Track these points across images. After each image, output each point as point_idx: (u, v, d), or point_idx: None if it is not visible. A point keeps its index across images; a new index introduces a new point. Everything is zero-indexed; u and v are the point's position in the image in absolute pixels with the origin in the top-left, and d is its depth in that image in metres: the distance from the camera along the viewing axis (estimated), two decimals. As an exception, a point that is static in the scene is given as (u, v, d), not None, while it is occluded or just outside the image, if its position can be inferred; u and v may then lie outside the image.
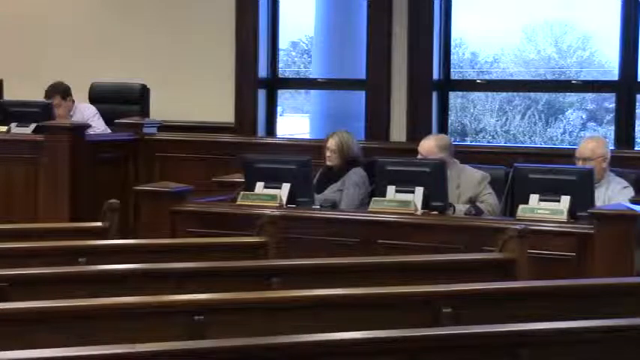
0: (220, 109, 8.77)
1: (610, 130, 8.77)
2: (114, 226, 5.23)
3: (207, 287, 3.92)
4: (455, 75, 8.93)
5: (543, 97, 10.17)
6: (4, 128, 7.64)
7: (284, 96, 9.80)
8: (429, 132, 7.82)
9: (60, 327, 3.49)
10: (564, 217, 5.43)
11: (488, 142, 10.17)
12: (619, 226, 5.14)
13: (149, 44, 9.12)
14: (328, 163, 6.59)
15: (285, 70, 9.96)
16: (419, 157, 6.29)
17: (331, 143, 6.59)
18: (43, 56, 9.40)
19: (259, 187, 6.08)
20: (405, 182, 5.83)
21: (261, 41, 8.73)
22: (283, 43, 9.44)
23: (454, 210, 5.92)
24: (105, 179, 7.42)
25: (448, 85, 8.44)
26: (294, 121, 10.68)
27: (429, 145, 6.32)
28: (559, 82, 9.84)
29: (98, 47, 9.25)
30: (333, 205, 6.19)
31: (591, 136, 6.88)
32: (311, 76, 9.48)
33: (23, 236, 5.10)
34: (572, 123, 10.27)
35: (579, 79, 9.65)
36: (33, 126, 7.53)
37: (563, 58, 10.32)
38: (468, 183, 6.20)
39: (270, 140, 8.34)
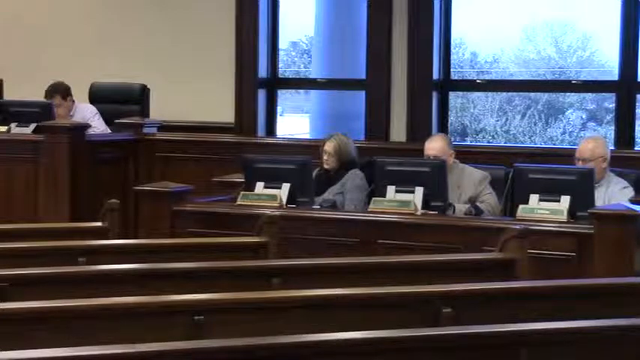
0: (220, 109, 8.77)
1: (610, 130, 8.77)
2: (114, 226, 5.23)
3: (207, 287, 3.92)
4: (455, 75, 8.93)
5: (543, 97, 10.17)
6: (4, 128, 7.64)
7: (284, 96, 9.80)
8: (428, 132, 7.83)
9: (60, 327, 3.49)
10: (564, 217, 5.43)
11: (488, 142, 10.16)
12: (619, 226, 5.14)
13: (149, 44, 9.12)
14: (326, 166, 6.57)
15: (285, 70, 9.96)
16: (431, 157, 6.25)
17: (329, 147, 6.58)
18: (43, 56, 9.40)
19: (259, 187, 6.08)
20: (405, 182, 5.83)
21: (261, 41, 8.72)
22: (283, 43, 9.44)
23: (454, 210, 5.92)
24: (105, 179, 7.42)
25: (448, 85, 8.44)
26: (294, 121, 10.68)
27: (441, 145, 6.31)
28: (559, 82, 9.83)
29: (98, 47, 9.26)
30: (333, 205, 6.19)
31: (591, 137, 6.88)
32: (311, 76, 9.48)
33: (23, 236, 5.10)
34: (572, 123, 10.27)
35: (579, 79, 9.63)
36: (33, 126, 7.53)
37: (563, 58, 10.31)
38: (468, 183, 6.20)
39: (270, 140, 8.34)
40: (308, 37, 10.41)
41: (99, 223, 5.28)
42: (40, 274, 4.16)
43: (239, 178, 6.41)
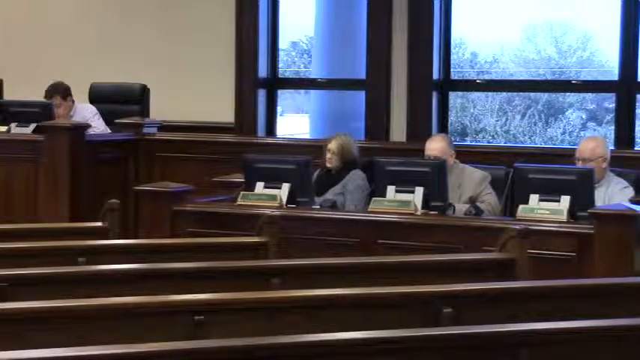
0: (220, 109, 8.76)
1: (610, 130, 8.77)
2: (114, 226, 5.23)
3: (207, 287, 3.92)
4: (455, 75, 8.93)
5: (543, 97, 10.16)
6: (4, 128, 7.63)
7: (284, 96, 9.80)
8: (429, 132, 7.83)
9: (60, 327, 3.49)
10: (564, 217, 5.43)
11: (488, 142, 10.16)
12: (619, 226, 5.14)
13: (149, 44, 9.12)
14: (328, 165, 6.59)
15: (285, 70, 9.96)
16: (432, 158, 6.24)
17: (333, 145, 6.60)
18: (42, 56, 9.40)
19: (259, 187, 6.08)
20: (405, 182, 5.83)
21: (261, 41, 8.73)
22: (283, 43, 9.44)
23: (454, 210, 5.91)
24: (105, 179, 7.42)
25: (448, 85, 8.43)
26: (294, 121, 10.67)
27: (442, 146, 6.31)
28: (559, 82, 9.83)
29: (98, 47, 9.26)
30: (333, 205, 6.19)
31: (591, 136, 6.88)
32: (311, 76, 9.48)
33: (23, 236, 5.10)
34: (572, 123, 10.27)
35: (579, 79, 9.63)
36: (33, 126, 7.52)
37: (563, 58, 10.31)
38: (469, 183, 6.20)
39: (270, 140, 8.34)
40: (308, 37, 10.40)
41: (99, 223, 5.28)
42: (40, 274, 4.16)
43: (239, 178, 6.41)
